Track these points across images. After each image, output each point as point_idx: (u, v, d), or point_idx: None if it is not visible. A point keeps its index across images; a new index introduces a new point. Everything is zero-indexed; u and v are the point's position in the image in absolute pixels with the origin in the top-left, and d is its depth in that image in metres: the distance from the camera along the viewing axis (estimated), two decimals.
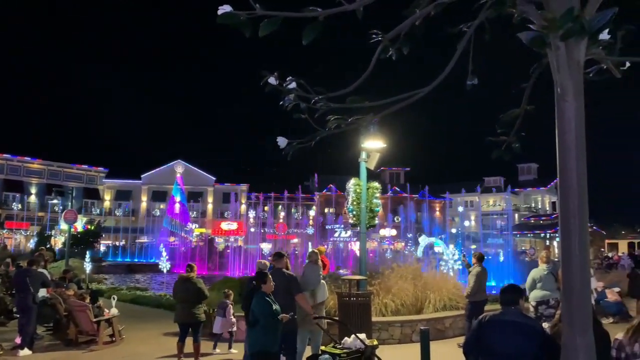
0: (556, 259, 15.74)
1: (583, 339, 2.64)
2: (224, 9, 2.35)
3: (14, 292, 11.76)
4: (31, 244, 43.77)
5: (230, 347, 10.06)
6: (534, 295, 9.63)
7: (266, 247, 40.93)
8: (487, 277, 11.09)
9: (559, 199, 2.74)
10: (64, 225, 37.72)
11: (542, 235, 52.84)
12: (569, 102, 2.61)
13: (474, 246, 36.50)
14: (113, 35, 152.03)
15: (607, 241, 47.77)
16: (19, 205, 55.31)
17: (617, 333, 3.93)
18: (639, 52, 2.92)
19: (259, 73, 2.81)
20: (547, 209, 68.41)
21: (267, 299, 6.30)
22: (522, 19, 2.76)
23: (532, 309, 9.55)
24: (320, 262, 8.99)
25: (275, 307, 6.32)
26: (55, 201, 52.51)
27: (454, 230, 47.71)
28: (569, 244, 2.66)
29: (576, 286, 2.65)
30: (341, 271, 15.07)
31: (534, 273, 9.88)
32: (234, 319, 10.22)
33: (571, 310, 2.68)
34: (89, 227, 45.17)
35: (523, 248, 50.05)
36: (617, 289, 15.07)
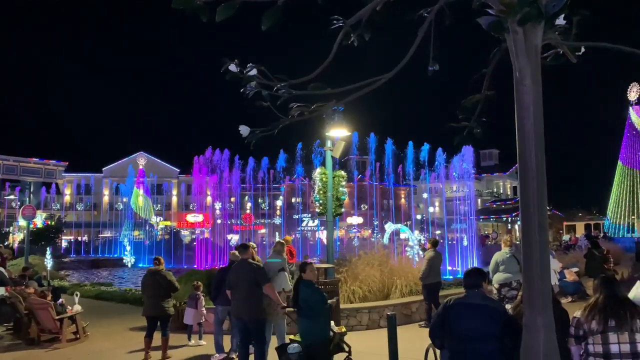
0: (518, 242, 16.15)
1: (543, 318, 2.71)
2: None
3: None
4: None
5: (200, 339, 9.96)
6: (497, 277, 9.86)
7: (234, 238, 40.58)
8: (441, 261, 11.51)
9: (519, 183, 2.78)
10: (22, 222, 36.50)
11: (505, 219, 54.16)
12: (527, 87, 2.65)
13: (438, 232, 37.17)
14: (72, 26, 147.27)
15: (565, 223, 49.27)
16: None
17: (575, 311, 4.05)
18: (592, 37, 2.98)
19: (221, 60, 2.75)
20: (509, 193, 70.22)
21: (315, 286, 6.30)
22: (482, 4, 2.77)
23: (495, 291, 9.78)
24: (284, 254, 8.99)
25: (324, 293, 6.33)
26: (12, 197, 50.80)
27: (419, 217, 48.38)
28: (529, 226, 2.72)
29: (536, 268, 2.71)
30: (309, 260, 15.08)
31: (497, 256, 10.11)
32: (204, 310, 10.13)
33: (531, 292, 2.74)
34: (49, 222, 43.86)
35: (486, 232, 51.19)
36: (575, 269, 15.59)
